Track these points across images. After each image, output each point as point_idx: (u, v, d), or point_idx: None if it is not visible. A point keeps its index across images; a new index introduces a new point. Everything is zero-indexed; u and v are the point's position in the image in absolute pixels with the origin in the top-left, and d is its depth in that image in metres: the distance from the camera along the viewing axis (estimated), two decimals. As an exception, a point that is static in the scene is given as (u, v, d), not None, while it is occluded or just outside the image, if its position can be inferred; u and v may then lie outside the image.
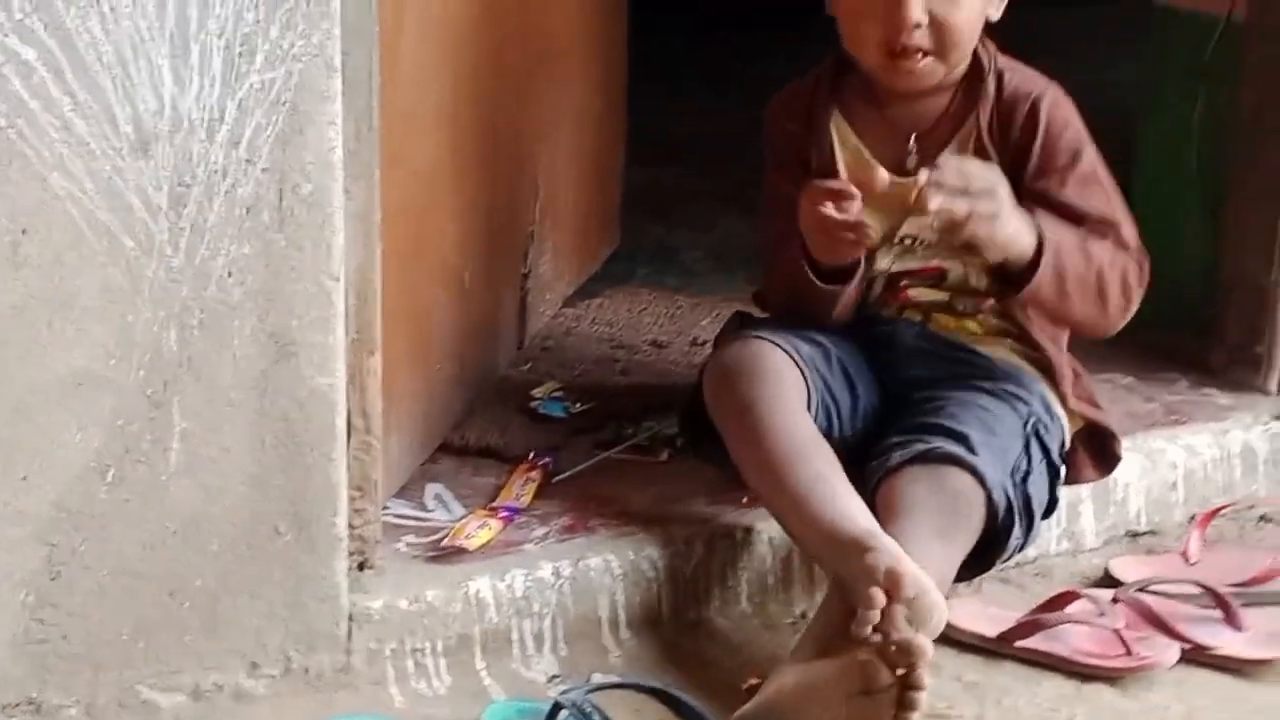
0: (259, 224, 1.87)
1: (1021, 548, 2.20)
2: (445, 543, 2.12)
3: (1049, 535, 2.34)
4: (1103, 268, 2.21)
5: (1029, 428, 2.22)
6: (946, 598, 1.98)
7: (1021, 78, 2.28)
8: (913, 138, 2.27)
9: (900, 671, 1.83)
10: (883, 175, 2.15)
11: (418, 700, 2.02)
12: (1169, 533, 2.45)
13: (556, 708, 1.92)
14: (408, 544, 2.15)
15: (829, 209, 2.12)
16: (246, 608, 1.95)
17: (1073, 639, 2.14)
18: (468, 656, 2.07)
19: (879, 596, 1.88)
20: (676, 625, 2.17)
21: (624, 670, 2.08)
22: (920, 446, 2.12)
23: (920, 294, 2.32)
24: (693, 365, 2.66)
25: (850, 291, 2.25)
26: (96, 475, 1.86)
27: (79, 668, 1.90)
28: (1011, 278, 2.19)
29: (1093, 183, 2.26)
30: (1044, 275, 2.16)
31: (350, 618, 2.00)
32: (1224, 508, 2.45)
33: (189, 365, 1.87)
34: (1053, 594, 2.22)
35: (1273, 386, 2.65)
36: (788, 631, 2.17)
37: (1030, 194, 2.22)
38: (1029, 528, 2.17)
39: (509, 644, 2.09)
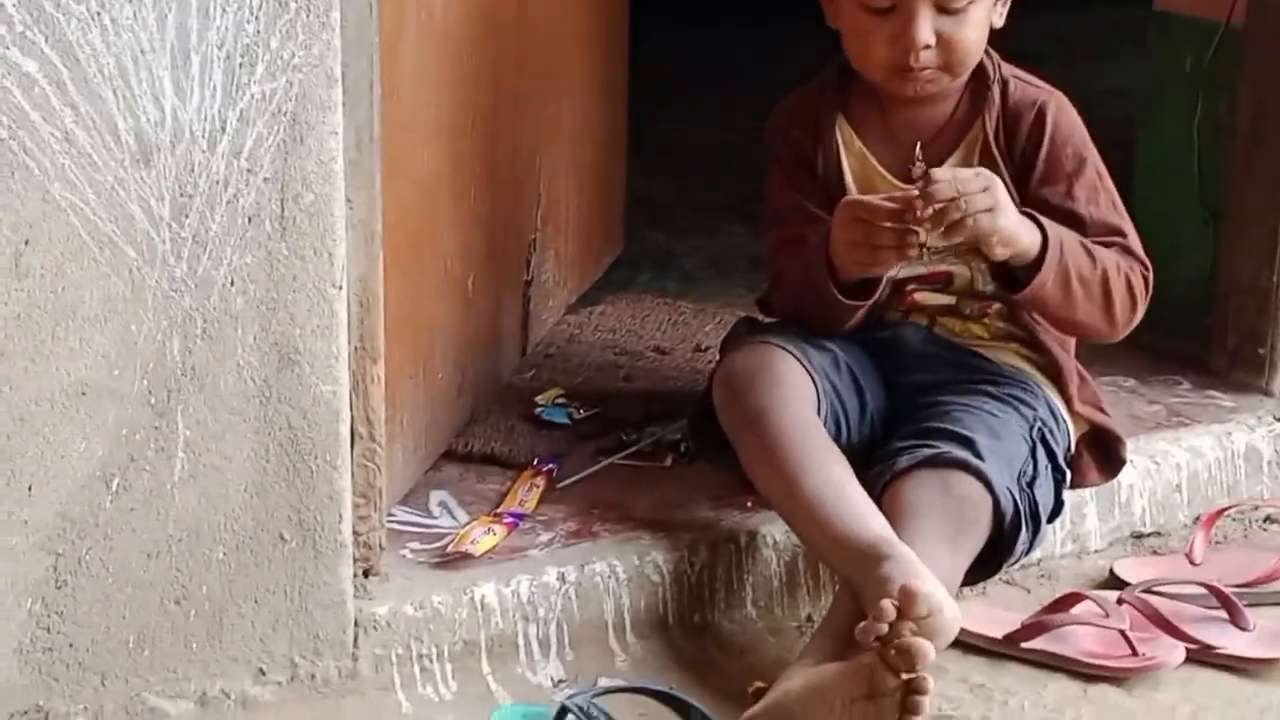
0: (261, 233, 1.87)
1: (1028, 552, 2.20)
2: (450, 549, 2.13)
3: (1054, 537, 2.34)
4: (1108, 270, 2.21)
5: (1035, 432, 2.22)
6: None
7: (1026, 85, 2.28)
8: (918, 145, 2.27)
9: (904, 675, 1.82)
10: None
11: (424, 706, 2.02)
12: (1173, 534, 2.45)
13: (563, 712, 1.93)
14: (413, 550, 2.15)
15: (884, 221, 2.08)
16: (252, 615, 1.95)
17: (1078, 640, 2.14)
18: (474, 662, 2.07)
19: (889, 610, 1.84)
20: (682, 629, 2.17)
21: (630, 674, 2.08)
22: (927, 451, 2.12)
23: (926, 298, 2.32)
24: (695, 371, 2.66)
25: (868, 304, 2.24)
26: (101, 484, 1.86)
27: (85, 676, 1.91)
28: (1017, 276, 2.19)
29: (1098, 191, 2.26)
30: (1049, 271, 2.15)
31: (356, 624, 2.00)
32: (1228, 509, 2.45)
33: (192, 374, 1.88)
34: (1058, 596, 2.22)
35: (1275, 388, 2.66)
36: (793, 635, 2.17)
37: (1036, 201, 2.22)
38: (1035, 532, 2.17)
39: (515, 649, 2.09)
